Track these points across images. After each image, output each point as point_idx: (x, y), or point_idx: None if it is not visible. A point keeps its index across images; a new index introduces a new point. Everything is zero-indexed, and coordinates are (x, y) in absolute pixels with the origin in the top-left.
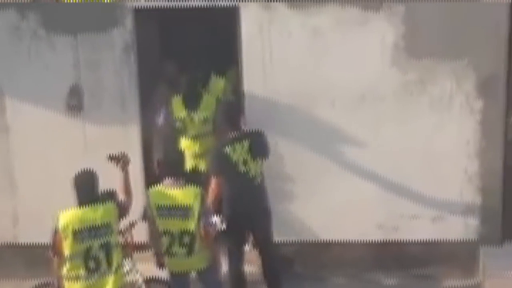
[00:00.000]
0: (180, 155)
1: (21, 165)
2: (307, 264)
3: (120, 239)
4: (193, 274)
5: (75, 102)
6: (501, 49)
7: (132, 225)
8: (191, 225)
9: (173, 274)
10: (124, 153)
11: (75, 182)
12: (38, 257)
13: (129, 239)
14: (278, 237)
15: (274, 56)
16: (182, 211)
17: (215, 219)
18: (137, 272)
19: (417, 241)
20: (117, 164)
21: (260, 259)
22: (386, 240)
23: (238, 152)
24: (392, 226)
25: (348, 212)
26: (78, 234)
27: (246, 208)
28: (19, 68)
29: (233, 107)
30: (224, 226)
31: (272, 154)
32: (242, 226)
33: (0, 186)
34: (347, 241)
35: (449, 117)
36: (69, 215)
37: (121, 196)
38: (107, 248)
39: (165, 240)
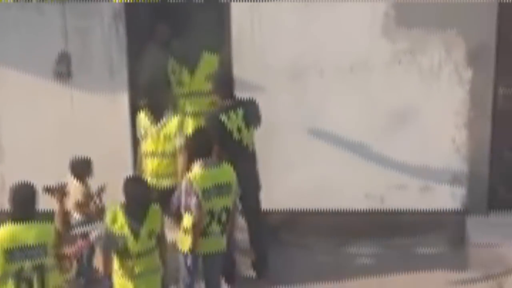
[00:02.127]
0: (207, 135)
1: (8, 132)
2: (294, 232)
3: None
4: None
5: (63, 69)
6: (491, 18)
7: (101, 189)
8: (230, 202)
9: (205, 255)
10: (61, 184)
11: (12, 196)
12: None
13: (97, 203)
14: (265, 205)
15: (264, 26)
16: (225, 189)
17: None
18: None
19: (404, 210)
20: (52, 196)
21: (247, 226)
22: (373, 210)
23: (233, 120)
24: (379, 196)
25: (336, 181)
26: (9, 253)
27: (238, 176)
28: (7, 34)
29: (225, 76)
30: None
31: (262, 123)
32: None
33: None
34: (334, 210)
35: (438, 87)
36: (1, 232)
37: (57, 226)
38: (40, 271)
39: (205, 220)
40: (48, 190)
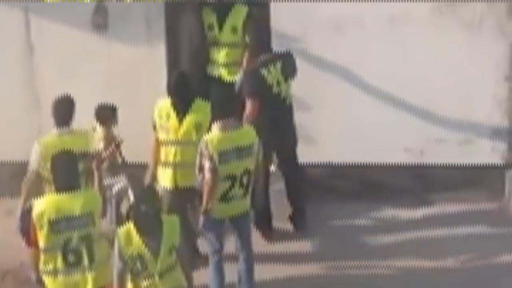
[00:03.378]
0: (228, 95)
1: (45, 84)
2: (332, 186)
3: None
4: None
5: (100, 21)
6: None
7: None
8: (252, 164)
9: (217, 221)
10: (98, 150)
11: (53, 164)
12: None
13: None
14: (303, 159)
15: None
16: (246, 151)
17: None
18: (129, 190)
19: (443, 164)
20: (91, 163)
21: (285, 180)
22: (412, 164)
23: (272, 74)
24: (418, 149)
25: (375, 135)
26: (55, 224)
27: (279, 130)
28: None
29: (263, 29)
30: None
31: (300, 76)
32: (270, 147)
33: (26, 105)
34: (373, 163)
35: (479, 40)
36: (45, 202)
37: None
38: (88, 241)
39: (223, 186)
40: (85, 156)
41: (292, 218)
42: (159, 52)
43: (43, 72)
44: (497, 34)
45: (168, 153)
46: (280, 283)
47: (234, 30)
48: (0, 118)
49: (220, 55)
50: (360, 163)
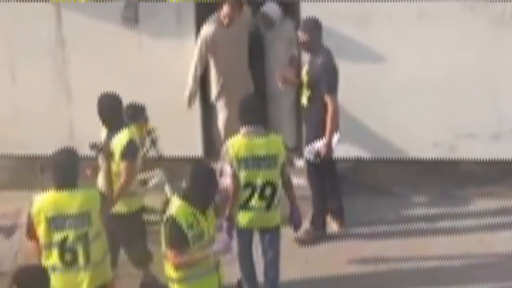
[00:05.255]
0: (259, 99)
1: (77, 77)
2: (363, 180)
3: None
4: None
5: (130, 14)
6: None
7: (149, 132)
8: (275, 175)
9: (243, 230)
10: (107, 142)
11: (53, 161)
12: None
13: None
14: (335, 153)
15: None
16: (267, 161)
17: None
18: (166, 184)
19: (474, 159)
20: (99, 153)
21: (318, 180)
22: (442, 158)
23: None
24: (448, 144)
25: (404, 130)
26: (51, 222)
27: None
28: None
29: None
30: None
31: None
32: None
33: (57, 98)
34: (403, 158)
35: (509, 35)
36: (43, 199)
37: (103, 187)
38: (84, 241)
39: (244, 193)
40: (94, 147)
41: (335, 216)
42: (189, 47)
43: (74, 66)
44: None
45: None
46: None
47: None
48: (31, 112)
49: None
50: (390, 158)
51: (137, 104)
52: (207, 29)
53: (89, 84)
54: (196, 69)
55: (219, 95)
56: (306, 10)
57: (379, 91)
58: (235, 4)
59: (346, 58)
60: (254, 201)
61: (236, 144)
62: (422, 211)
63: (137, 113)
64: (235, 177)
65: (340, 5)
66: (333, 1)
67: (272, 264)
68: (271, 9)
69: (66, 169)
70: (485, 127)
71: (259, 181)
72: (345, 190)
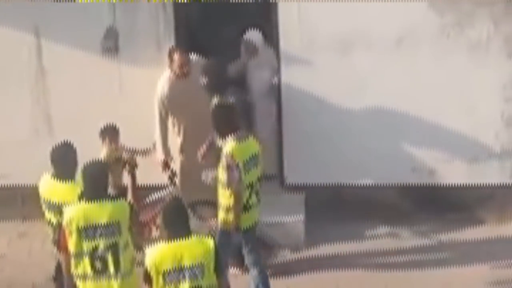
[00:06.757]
0: (232, 109)
1: (57, 107)
2: (342, 207)
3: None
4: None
5: (110, 44)
6: None
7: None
8: (261, 170)
9: (246, 229)
10: (132, 156)
11: (84, 174)
12: None
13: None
14: (311, 179)
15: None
16: (257, 159)
17: None
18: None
19: (452, 184)
20: (123, 168)
21: None
22: (421, 184)
23: None
24: (427, 170)
25: (383, 156)
26: (83, 232)
27: None
28: (55, 10)
29: None
30: None
31: (308, 98)
32: None
33: (37, 127)
34: (382, 184)
35: (486, 61)
36: (75, 209)
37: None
38: (114, 250)
39: (244, 195)
40: (119, 160)
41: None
42: None
43: (55, 96)
44: (504, 54)
45: None
46: None
47: None
48: (11, 142)
49: None
50: (369, 184)
51: (110, 124)
52: (162, 88)
53: (70, 114)
54: (161, 130)
55: (181, 148)
56: (286, 40)
57: (358, 116)
58: (184, 50)
59: (326, 84)
60: (252, 199)
61: (236, 148)
62: (401, 237)
63: (109, 133)
64: (241, 181)
65: (320, 34)
66: (313, 30)
67: (260, 260)
68: (254, 36)
69: (96, 180)
70: (464, 152)
71: (254, 180)
72: (320, 216)
